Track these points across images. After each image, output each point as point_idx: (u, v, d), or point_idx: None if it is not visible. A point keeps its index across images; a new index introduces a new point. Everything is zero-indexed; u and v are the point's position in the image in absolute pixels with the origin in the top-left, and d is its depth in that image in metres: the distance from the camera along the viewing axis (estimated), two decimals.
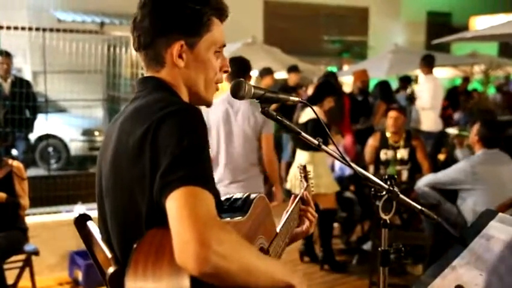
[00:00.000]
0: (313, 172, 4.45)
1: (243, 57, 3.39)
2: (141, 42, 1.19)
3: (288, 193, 5.72)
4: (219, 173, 3.32)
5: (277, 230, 1.40)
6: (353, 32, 16.10)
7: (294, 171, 4.42)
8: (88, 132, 8.24)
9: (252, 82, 9.97)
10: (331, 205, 4.41)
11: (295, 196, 1.56)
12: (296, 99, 1.37)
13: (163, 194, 0.97)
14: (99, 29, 8.03)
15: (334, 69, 12.98)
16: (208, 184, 0.98)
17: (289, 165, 5.59)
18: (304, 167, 1.74)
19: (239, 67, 3.22)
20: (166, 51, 1.18)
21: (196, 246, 0.88)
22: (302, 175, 1.72)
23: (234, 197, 1.28)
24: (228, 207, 1.25)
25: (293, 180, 4.42)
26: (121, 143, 1.12)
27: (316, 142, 1.38)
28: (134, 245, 0.98)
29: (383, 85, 6.83)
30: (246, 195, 1.27)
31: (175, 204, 0.94)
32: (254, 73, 8.90)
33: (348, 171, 5.05)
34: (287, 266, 1.10)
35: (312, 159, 4.27)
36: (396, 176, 1.53)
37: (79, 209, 4.31)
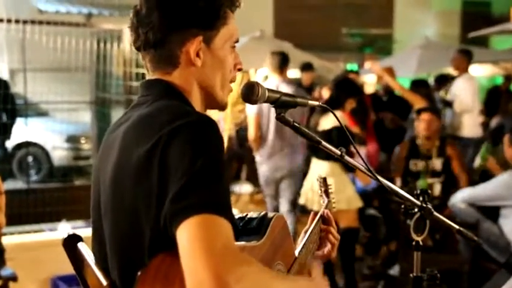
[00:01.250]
0: (333, 185, 4.42)
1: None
2: (149, 40, 1.19)
3: (302, 209, 5.73)
4: (268, 147, 4.88)
5: (296, 253, 1.40)
6: (376, 23, 16.11)
7: (309, 184, 4.42)
8: (73, 139, 8.28)
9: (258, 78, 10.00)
10: (353, 223, 4.39)
11: (315, 214, 1.56)
12: (315, 103, 1.39)
13: (173, 222, 0.97)
14: (86, 21, 8.09)
15: (354, 67, 12.98)
16: (226, 211, 0.97)
17: (302, 176, 5.60)
18: (325, 179, 1.74)
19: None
20: (180, 49, 1.19)
21: (212, 286, 0.88)
22: (322, 189, 1.73)
23: (248, 217, 1.28)
24: (242, 228, 1.26)
25: (309, 194, 4.42)
26: (124, 156, 1.12)
27: (338, 152, 1.39)
28: (138, 273, 0.99)
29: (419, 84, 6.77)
30: (262, 214, 1.28)
31: (187, 235, 0.94)
32: (263, 71, 8.94)
33: (371, 185, 5.04)
34: (312, 281, 1.13)
35: (331, 170, 4.26)
36: (428, 190, 1.53)
37: (64, 227, 4.33)
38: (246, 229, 1.24)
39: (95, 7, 9.73)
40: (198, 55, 1.19)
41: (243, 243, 1.16)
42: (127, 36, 5.02)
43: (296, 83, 7.77)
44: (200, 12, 1.18)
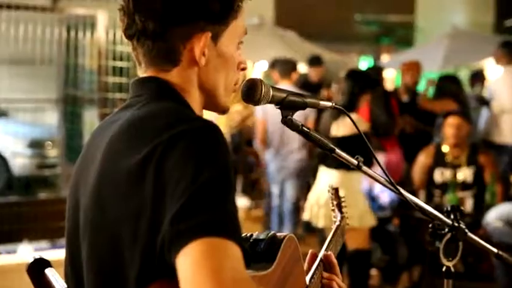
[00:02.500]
0: (327, 200, 4.47)
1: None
2: (148, 29, 1.18)
3: (307, 227, 5.72)
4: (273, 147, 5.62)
5: (307, 281, 1.40)
6: (395, 9, 16.15)
7: (315, 197, 4.42)
8: (36, 145, 8.26)
9: (259, 75, 10.03)
10: (363, 244, 4.38)
11: (313, 255, 1.51)
12: (328, 103, 1.39)
13: (173, 247, 0.95)
14: (53, 5, 8.09)
15: (370, 60, 13.01)
16: (235, 234, 0.96)
17: (307, 187, 5.58)
18: (337, 190, 1.74)
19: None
20: (184, 45, 1.19)
21: None
22: (334, 202, 1.72)
23: (254, 237, 1.28)
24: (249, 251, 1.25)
25: (314, 209, 4.41)
26: (109, 166, 1.12)
27: (354, 162, 1.39)
28: None
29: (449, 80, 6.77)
30: (270, 235, 1.27)
31: (190, 262, 0.92)
32: (262, 65, 8.97)
33: (388, 198, 5.03)
34: None
35: (342, 180, 4.26)
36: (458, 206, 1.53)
37: (25, 249, 4.31)
38: (254, 252, 1.24)
39: None
40: (203, 53, 1.20)
41: (251, 271, 1.15)
42: (102, 23, 5.02)
43: (301, 79, 7.80)
44: (212, 3, 1.18)
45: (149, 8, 1.17)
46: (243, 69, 1.30)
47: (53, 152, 8.12)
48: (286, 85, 5.83)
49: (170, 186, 1.00)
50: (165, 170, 1.02)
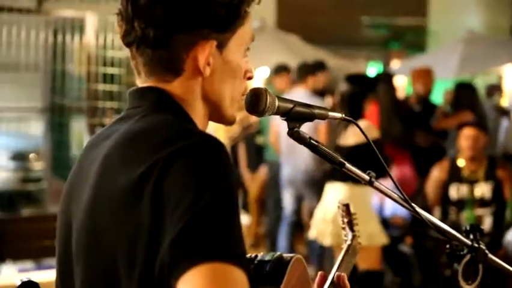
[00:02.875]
0: (334, 213, 4.46)
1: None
2: (148, 37, 1.17)
3: (313, 246, 5.71)
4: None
5: None
6: (405, 11, 16.19)
7: (321, 213, 4.41)
8: (20, 157, 8.25)
9: (261, 84, 10.04)
10: (376, 265, 4.37)
11: (323, 277, 1.49)
12: (338, 115, 1.39)
13: (173, 272, 0.95)
14: (38, 7, 8.12)
15: (379, 66, 13.03)
16: (241, 258, 0.97)
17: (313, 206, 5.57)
18: (348, 207, 1.73)
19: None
20: (187, 53, 1.19)
21: None
22: (345, 219, 1.71)
23: (259, 259, 1.28)
24: (253, 274, 1.25)
25: (320, 225, 4.41)
26: (105, 182, 1.12)
27: (366, 177, 1.39)
28: None
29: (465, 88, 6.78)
30: (276, 256, 1.27)
31: None
32: (263, 71, 8.99)
33: (399, 213, 5.03)
34: None
35: (351, 195, 4.26)
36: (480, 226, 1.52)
37: (9, 270, 4.29)
38: (259, 275, 1.24)
39: None
40: (207, 63, 1.20)
41: None
42: (92, 26, 5.04)
43: None
44: (217, 10, 1.18)
45: (150, 14, 1.17)
46: (250, 78, 1.30)
47: (38, 165, 8.10)
48: (300, 91, 5.93)
49: (170, 208, 0.99)
50: (164, 191, 1.01)
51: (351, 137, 4.28)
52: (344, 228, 1.71)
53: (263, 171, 7.04)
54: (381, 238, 4.37)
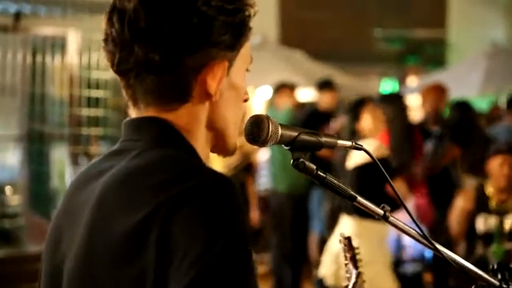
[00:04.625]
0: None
1: None
2: (153, 62, 1.16)
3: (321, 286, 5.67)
4: None
5: None
6: (423, 22, 16.27)
7: (335, 252, 4.40)
8: None
9: (262, 103, 10.00)
10: None
11: None
12: (348, 143, 1.39)
13: None
14: (15, 24, 8.17)
15: (394, 83, 13.06)
16: None
17: (322, 241, 5.56)
18: (349, 240, 1.73)
19: None
20: (195, 77, 1.18)
21: None
22: (347, 255, 1.71)
23: None
24: None
25: (333, 267, 4.39)
26: (100, 229, 1.11)
27: (380, 212, 1.39)
28: None
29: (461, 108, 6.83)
30: None
31: None
32: (265, 91, 9.02)
33: (418, 246, 5.01)
34: None
35: (360, 230, 4.26)
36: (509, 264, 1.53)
37: None
38: None
39: (28, 3, 9.82)
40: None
41: None
42: (74, 44, 5.07)
43: (310, 108, 7.83)
44: (226, 26, 1.18)
45: (154, 36, 1.15)
46: (245, 100, 1.30)
47: (14, 199, 8.09)
48: None
49: (177, 257, 1.00)
50: (170, 237, 1.02)
51: (356, 156, 4.34)
52: (346, 265, 1.71)
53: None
54: (386, 284, 4.35)
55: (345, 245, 1.74)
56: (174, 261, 1.00)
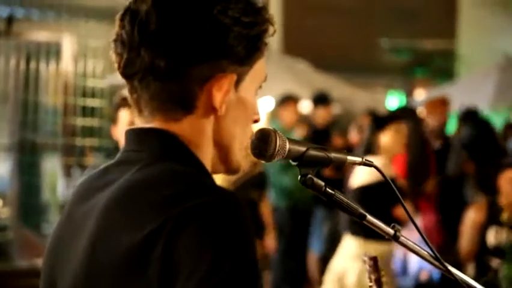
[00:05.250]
0: (357, 276, 4.44)
1: None
2: (159, 68, 1.17)
3: None
4: None
5: None
6: (432, 33, 16.32)
7: (337, 273, 4.40)
8: None
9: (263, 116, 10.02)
10: None
11: None
12: (358, 159, 1.39)
13: None
14: (7, 29, 8.19)
15: (401, 96, 13.08)
16: None
17: (324, 260, 5.55)
18: (375, 261, 1.72)
19: None
20: (201, 87, 1.19)
21: None
22: (372, 277, 1.69)
23: None
24: None
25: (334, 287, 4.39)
26: (103, 244, 1.12)
27: (391, 231, 1.39)
28: None
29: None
30: None
31: None
32: (267, 103, 9.01)
33: (427, 268, 4.99)
34: None
35: (363, 251, 4.24)
36: None
37: None
38: None
39: (20, 6, 9.84)
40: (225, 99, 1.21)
41: None
42: (69, 50, 5.07)
43: (307, 122, 7.82)
44: (238, 39, 1.18)
45: (162, 42, 1.16)
46: (256, 121, 1.31)
47: (4, 212, 8.09)
48: None
49: (183, 275, 1.00)
50: (175, 257, 1.02)
51: (359, 175, 4.34)
52: (371, 287, 1.70)
53: None
54: None
55: (370, 266, 1.73)
56: (179, 280, 1.01)
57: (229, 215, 1.06)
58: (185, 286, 1.00)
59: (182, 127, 1.20)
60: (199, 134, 1.21)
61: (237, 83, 1.21)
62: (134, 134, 1.23)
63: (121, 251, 1.07)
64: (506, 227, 4.64)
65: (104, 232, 1.12)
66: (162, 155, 1.18)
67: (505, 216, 4.66)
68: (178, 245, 1.02)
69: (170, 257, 1.02)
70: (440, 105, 6.83)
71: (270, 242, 5.86)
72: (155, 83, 1.18)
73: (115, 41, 1.20)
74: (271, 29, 1.24)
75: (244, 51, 1.19)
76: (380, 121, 4.64)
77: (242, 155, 1.28)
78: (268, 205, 6.00)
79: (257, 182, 5.60)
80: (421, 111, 9.79)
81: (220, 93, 1.18)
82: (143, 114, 1.22)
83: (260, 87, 1.29)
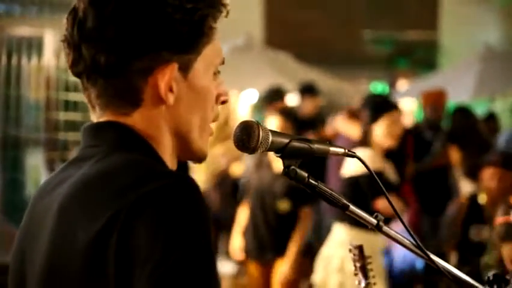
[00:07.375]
0: (340, 261, 4.45)
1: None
2: (99, 65, 1.17)
3: None
4: None
5: None
6: (414, 24, 16.30)
7: (326, 258, 4.43)
8: None
9: (247, 110, 9.98)
10: None
11: None
12: (341, 150, 1.40)
13: None
14: None
15: (384, 87, 13.11)
16: None
17: (310, 248, 5.57)
18: (361, 249, 1.74)
19: None
20: (145, 80, 1.19)
21: None
22: (357, 264, 1.72)
23: None
24: None
25: (321, 274, 4.41)
26: (62, 241, 1.12)
27: (373, 221, 1.40)
28: None
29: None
30: None
31: None
32: (251, 95, 9.02)
33: (409, 258, 5.03)
34: None
35: (352, 238, 4.27)
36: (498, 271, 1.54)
37: None
38: None
39: (2, 2, 9.76)
40: (170, 89, 1.20)
41: None
42: (51, 45, 5.05)
43: (291, 113, 7.80)
44: (177, 28, 1.18)
45: (100, 38, 1.17)
46: (224, 102, 1.31)
47: None
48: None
49: (137, 264, 1.01)
50: (130, 243, 1.02)
51: (349, 168, 4.35)
52: (356, 275, 1.72)
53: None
54: None
55: (354, 255, 1.74)
56: (136, 270, 1.01)
57: (185, 199, 1.05)
58: (142, 275, 0.99)
59: (134, 120, 1.20)
60: (151, 125, 1.21)
61: (185, 71, 1.21)
62: (89, 130, 1.23)
63: (79, 245, 1.07)
64: (488, 224, 4.66)
65: (62, 228, 1.12)
66: (118, 146, 1.18)
67: (487, 213, 4.68)
68: (132, 231, 1.02)
69: (126, 246, 1.02)
70: (437, 97, 6.85)
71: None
72: (100, 79, 1.19)
73: (63, 41, 1.22)
74: (222, 12, 1.23)
75: (188, 38, 1.19)
76: (374, 111, 4.52)
77: (204, 141, 1.28)
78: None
79: None
80: (406, 101, 9.87)
81: (163, 83, 1.18)
82: (96, 111, 1.23)
83: (218, 71, 1.28)
